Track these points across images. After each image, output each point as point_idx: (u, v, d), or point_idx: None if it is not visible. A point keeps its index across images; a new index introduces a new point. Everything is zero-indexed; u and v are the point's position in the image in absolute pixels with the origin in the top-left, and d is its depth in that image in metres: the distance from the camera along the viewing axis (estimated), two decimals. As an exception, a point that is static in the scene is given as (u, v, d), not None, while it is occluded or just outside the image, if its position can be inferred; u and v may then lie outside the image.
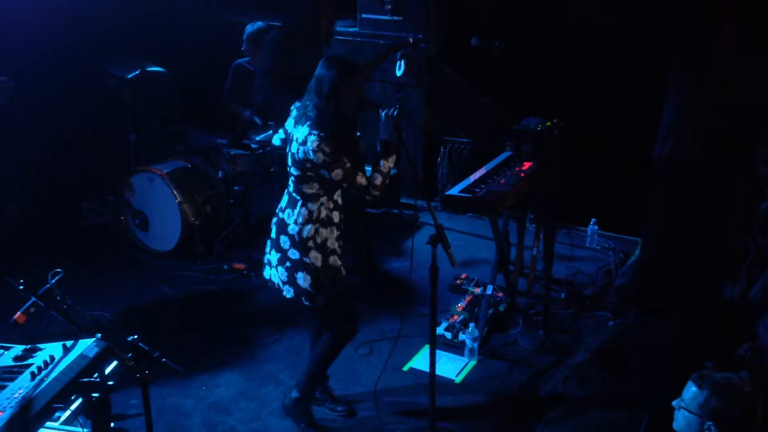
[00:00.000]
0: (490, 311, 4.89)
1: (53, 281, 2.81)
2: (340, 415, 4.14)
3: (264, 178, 5.84)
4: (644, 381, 3.98)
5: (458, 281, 5.47)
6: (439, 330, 4.84)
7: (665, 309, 4.67)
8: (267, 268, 3.82)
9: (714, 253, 4.76)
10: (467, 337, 4.64)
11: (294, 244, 3.65)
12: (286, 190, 3.76)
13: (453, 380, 4.47)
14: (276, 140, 4.01)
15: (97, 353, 2.82)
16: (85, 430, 2.84)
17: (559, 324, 5.02)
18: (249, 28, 5.96)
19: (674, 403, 2.74)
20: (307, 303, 3.75)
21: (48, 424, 2.84)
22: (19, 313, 2.77)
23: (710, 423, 2.62)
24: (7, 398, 2.56)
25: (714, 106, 4.59)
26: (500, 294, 5.18)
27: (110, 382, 2.76)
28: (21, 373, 2.72)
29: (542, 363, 4.62)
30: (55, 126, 6.06)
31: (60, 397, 2.62)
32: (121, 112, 6.20)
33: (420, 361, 4.63)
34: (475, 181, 4.64)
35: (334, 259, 3.69)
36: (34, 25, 5.73)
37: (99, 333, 2.82)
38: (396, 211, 6.79)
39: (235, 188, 5.74)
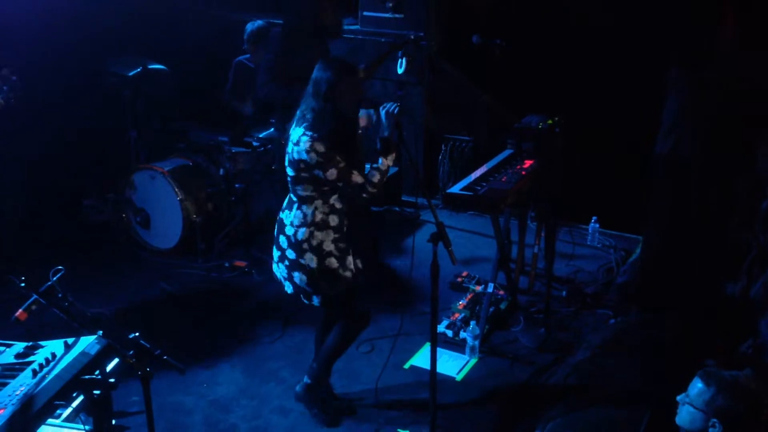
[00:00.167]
0: (491, 309, 4.90)
1: (55, 278, 2.80)
2: (342, 413, 4.13)
3: (265, 176, 5.84)
4: (645, 379, 3.99)
5: (459, 279, 5.47)
6: (440, 328, 4.84)
7: (666, 307, 4.67)
8: (273, 262, 3.87)
9: (714, 252, 4.76)
10: (468, 335, 4.65)
11: (290, 245, 3.69)
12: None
13: (454, 378, 4.47)
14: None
15: (99, 350, 2.82)
16: (86, 427, 2.85)
17: (560, 322, 5.02)
18: (250, 27, 5.96)
19: (679, 398, 2.75)
20: (305, 301, 3.80)
21: (50, 421, 2.85)
22: (20, 310, 2.77)
23: (715, 420, 2.62)
24: (9, 395, 2.57)
25: (714, 105, 4.59)
26: (501, 292, 5.18)
27: (112, 380, 2.76)
28: (23, 370, 2.72)
29: (543, 361, 4.62)
30: (56, 125, 6.07)
31: (61, 394, 2.62)
32: (121, 111, 6.21)
33: (421, 359, 4.63)
34: (477, 179, 4.64)
35: (330, 261, 3.68)
36: (34, 25, 5.74)
37: (100, 330, 2.82)
38: (397, 209, 6.79)
39: (236, 186, 5.74)
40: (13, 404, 2.50)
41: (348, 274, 3.74)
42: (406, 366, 4.59)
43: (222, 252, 5.85)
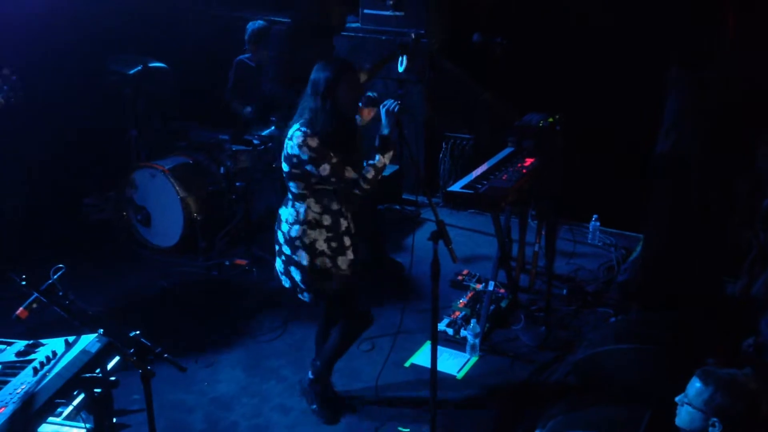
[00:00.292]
0: (491, 307, 4.90)
1: (55, 277, 2.81)
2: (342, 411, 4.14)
3: (266, 174, 5.84)
4: (645, 378, 3.98)
5: (460, 277, 5.47)
6: (441, 326, 4.84)
7: (667, 306, 4.67)
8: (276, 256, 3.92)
9: (714, 251, 4.76)
10: (469, 333, 4.65)
11: (286, 241, 3.72)
12: None
13: (454, 376, 4.47)
14: None
15: (100, 349, 2.83)
16: (87, 425, 2.85)
17: (561, 320, 5.02)
18: (251, 26, 5.97)
19: (677, 399, 2.74)
20: (300, 296, 3.82)
21: (50, 419, 2.86)
22: (21, 308, 2.77)
23: (715, 419, 2.61)
24: (10, 394, 2.57)
25: (714, 105, 4.59)
26: (502, 290, 5.18)
27: (112, 378, 2.77)
28: (23, 368, 2.73)
29: (544, 359, 4.62)
30: (56, 124, 6.08)
31: (62, 392, 2.62)
32: (122, 110, 6.21)
33: (421, 357, 4.63)
34: (477, 177, 4.64)
35: (322, 261, 3.68)
36: (34, 25, 5.74)
37: (101, 328, 2.83)
38: (398, 207, 6.79)
39: (237, 184, 5.74)
40: (14, 402, 2.51)
41: (342, 273, 3.73)
42: (407, 364, 4.59)
43: (223, 250, 5.85)
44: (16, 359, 2.83)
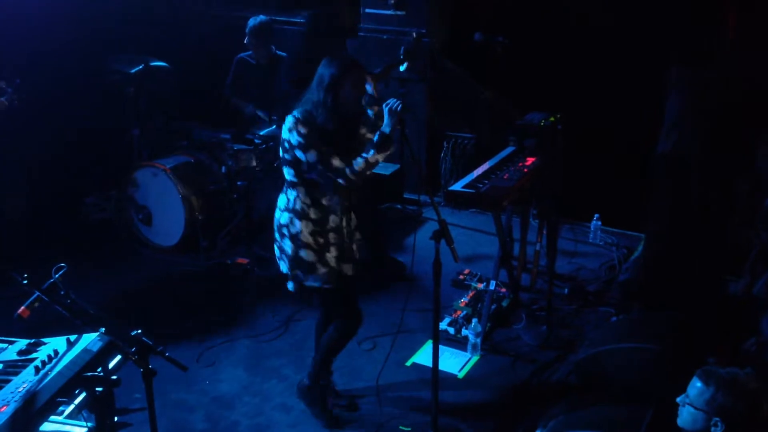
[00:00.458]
0: (493, 307, 4.90)
1: (57, 276, 2.81)
2: (343, 410, 4.14)
3: (267, 173, 5.83)
4: (647, 377, 3.98)
5: (461, 277, 5.47)
6: (442, 325, 4.84)
7: (668, 305, 4.66)
8: None
9: (715, 251, 4.76)
10: (470, 332, 4.65)
11: (277, 227, 3.74)
12: None
13: (456, 375, 4.47)
14: None
15: (101, 347, 2.83)
16: (89, 424, 2.85)
17: (562, 320, 5.02)
18: (251, 22, 5.95)
19: (678, 399, 2.73)
20: (287, 283, 3.82)
21: (52, 418, 2.85)
22: (23, 307, 2.78)
23: (717, 419, 2.61)
24: (11, 392, 2.57)
25: (715, 105, 4.59)
26: (503, 289, 5.18)
27: (114, 377, 2.77)
28: (25, 367, 2.73)
29: (545, 358, 4.62)
30: (57, 124, 6.08)
31: (64, 391, 2.63)
32: (123, 109, 6.21)
33: (423, 356, 4.63)
34: (479, 177, 4.64)
35: (306, 253, 3.66)
36: (35, 25, 5.74)
37: (103, 327, 2.83)
38: (399, 206, 6.78)
39: (239, 183, 5.74)
40: (15, 401, 2.51)
41: (330, 270, 3.69)
42: (408, 363, 4.59)
43: (224, 249, 5.85)
44: (17, 358, 2.83)
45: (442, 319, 4.86)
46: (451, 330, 4.84)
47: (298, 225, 3.65)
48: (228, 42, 6.51)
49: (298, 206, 3.65)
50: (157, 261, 5.79)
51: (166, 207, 5.77)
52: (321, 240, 3.67)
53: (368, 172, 3.56)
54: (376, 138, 3.55)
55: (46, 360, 2.72)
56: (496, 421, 4.11)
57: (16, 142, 5.66)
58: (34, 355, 2.82)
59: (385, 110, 3.53)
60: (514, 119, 5.20)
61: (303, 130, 3.51)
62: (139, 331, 2.78)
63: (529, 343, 4.77)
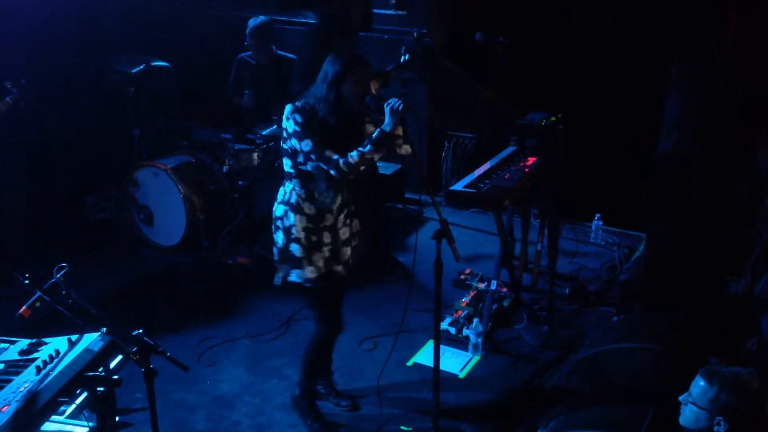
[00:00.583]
0: (494, 306, 4.90)
1: (59, 275, 2.81)
2: (344, 410, 4.15)
3: (268, 173, 5.83)
4: (648, 377, 3.98)
5: (462, 276, 5.47)
6: (443, 325, 4.84)
7: (669, 305, 4.66)
8: None
9: (715, 250, 4.76)
10: (471, 332, 4.65)
11: (274, 218, 3.74)
12: None
13: (457, 375, 4.47)
14: None
15: (102, 347, 2.83)
16: (90, 423, 2.86)
17: (563, 319, 5.02)
18: (252, 23, 5.95)
19: (681, 398, 2.74)
20: (275, 276, 3.79)
21: (53, 417, 2.86)
22: (24, 307, 2.78)
23: (720, 418, 2.62)
24: (13, 392, 2.57)
25: (715, 104, 4.59)
26: (504, 289, 5.18)
27: (115, 377, 2.77)
28: (26, 367, 2.73)
29: (546, 358, 4.62)
30: (58, 123, 6.08)
31: (65, 391, 2.63)
32: (123, 109, 6.21)
33: (424, 356, 4.63)
34: (480, 176, 4.64)
35: (295, 248, 3.63)
36: (35, 24, 5.74)
37: (104, 327, 2.83)
38: (400, 206, 6.79)
39: (240, 183, 5.74)
40: (17, 401, 2.51)
41: (312, 270, 3.66)
42: (409, 363, 4.59)
43: (225, 249, 5.85)
44: (19, 358, 2.83)
45: (443, 319, 4.86)
46: (453, 330, 4.84)
47: (292, 218, 3.63)
48: (228, 42, 6.51)
49: (293, 199, 3.64)
50: (158, 261, 5.80)
51: (167, 207, 5.78)
52: (314, 238, 3.65)
53: (362, 168, 3.52)
54: (375, 134, 3.53)
55: (48, 360, 2.72)
56: (497, 421, 4.11)
57: (16, 141, 5.66)
58: (35, 355, 2.82)
59: (387, 110, 3.52)
60: (514, 119, 5.19)
61: (300, 119, 3.50)
62: (141, 330, 2.78)
63: (531, 343, 4.77)
